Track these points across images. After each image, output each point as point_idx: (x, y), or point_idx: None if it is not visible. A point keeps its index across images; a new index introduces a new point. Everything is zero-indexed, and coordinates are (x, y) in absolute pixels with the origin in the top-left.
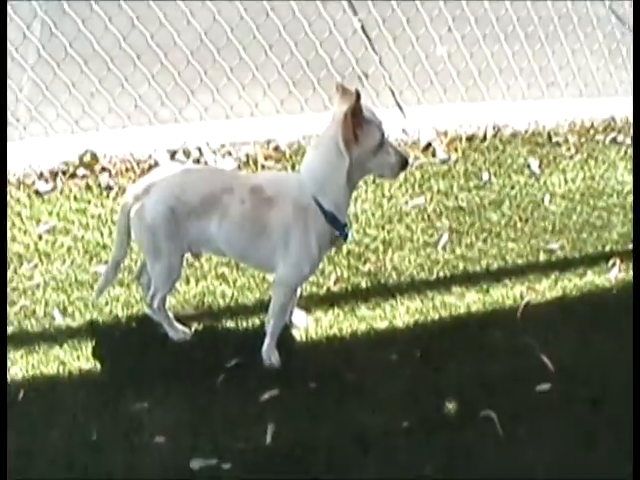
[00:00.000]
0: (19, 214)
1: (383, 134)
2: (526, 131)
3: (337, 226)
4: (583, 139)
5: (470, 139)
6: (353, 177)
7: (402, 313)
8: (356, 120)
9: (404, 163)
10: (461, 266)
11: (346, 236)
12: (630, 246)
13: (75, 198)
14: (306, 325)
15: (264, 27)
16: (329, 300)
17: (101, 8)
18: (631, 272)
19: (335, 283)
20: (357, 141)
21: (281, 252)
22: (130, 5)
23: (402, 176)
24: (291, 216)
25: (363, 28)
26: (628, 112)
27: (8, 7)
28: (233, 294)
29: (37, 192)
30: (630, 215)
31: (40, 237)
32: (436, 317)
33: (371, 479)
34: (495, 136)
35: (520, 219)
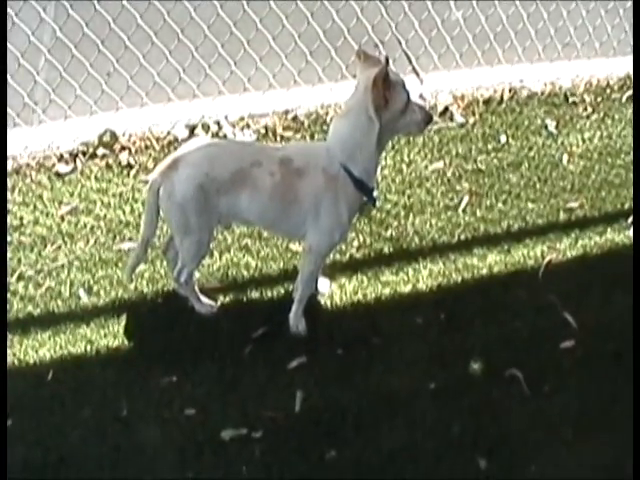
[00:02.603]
0: (40, 197)
1: (409, 93)
2: (542, 92)
3: (366, 192)
4: (599, 98)
5: (487, 102)
6: (382, 141)
7: (425, 277)
8: (385, 84)
9: (429, 118)
10: (482, 228)
11: (374, 202)
12: None
13: (96, 178)
14: (330, 291)
15: None
16: (352, 266)
17: None
18: None
19: (358, 249)
20: (387, 105)
21: (311, 221)
22: None
23: (421, 140)
24: (321, 185)
25: None
26: None
27: None
28: (257, 265)
29: (58, 174)
30: None
31: (62, 218)
32: (459, 279)
33: (399, 441)
34: (512, 98)
35: (539, 179)
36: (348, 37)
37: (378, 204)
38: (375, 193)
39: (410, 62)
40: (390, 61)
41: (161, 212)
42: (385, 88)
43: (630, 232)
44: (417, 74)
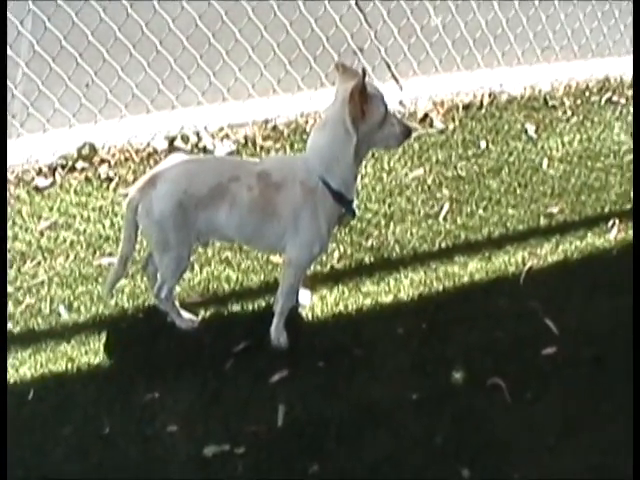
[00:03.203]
0: (19, 212)
1: (387, 107)
2: (522, 96)
3: (344, 204)
4: (579, 101)
5: (467, 108)
6: (360, 153)
7: (406, 286)
8: (362, 97)
9: (408, 132)
10: (463, 235)
11: (354, 213)
12: (628, 206)
13: (75, 192)
14: (311, 303)
15: (259, 8)
16: (333, 277)
17: None
18: (630, 232)
19: (339, 260)
20: (364, 117)
21: (291, 234)
22: None
23: (401, 148)
24: (300, 198)
25: (357, 3)
26: (622, 71)
27: None
28: (238, 278)
29: (37, 188)
30: (627, 174)
31: (42, 233)
32: (440, 288)
33: (382, 452)
34: (491, 103)
35: (519, 185)
36: (327, 46)
37: (357, 214)
38: (355, 204)
39: (389, 69)
40: (369, 71)
41: (140, 228)
42: (362, 101)
43: (610, 235)
44: (396, 81)
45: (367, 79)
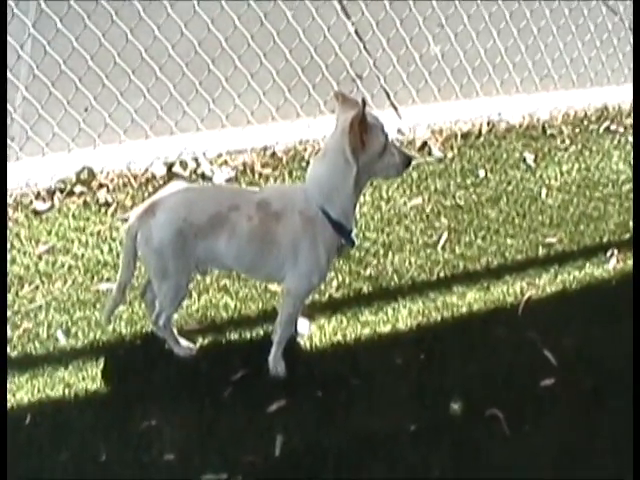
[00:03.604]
0: (18, 235)
1: (387, 136)
2: (520, 125)
3: (344, 234)
4: (577, 130)
5: (465, 136)
6: (360, 183)
7: (405, 316)
8: (362, 127)
9: (408, 161)
10: (461, 265)
11: (353, 243)
12: (627, 236)
13: (74, 216)
14: (310, 332)
15: (258, 35)
16: (332, 307)
17: (94, 24)
18: (629, 262)
19: (337, 289)
20: (364, 147)
21: (290, 264)
22: (123, 19)
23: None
24: (299, 228)
25: (357, 31)
26: (620, 100)
27: None
28: (236, 306)
29: (35, 212)
30: (626, 204)
31: (40, 257)
32: (438, 318)
33: None
34: (490, 132)
35: (518, 214)
36: (326, 73)
37: (356, 244)
38: (354, 233)
39: (388, 97)
40: (368, 100)
41: (139, 256)
42: (362, 131)
43: (609, 265)
44: (395, 109)
45: (367, 109)
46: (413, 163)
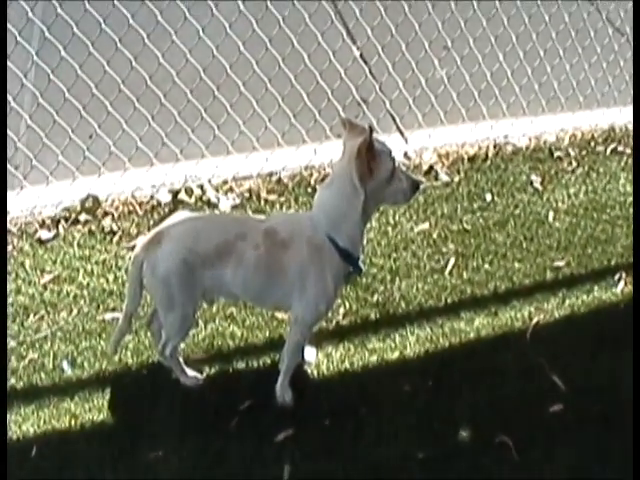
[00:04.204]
0: (22, 264)
1: (394, 162)
2: (527, 147)
3: (351, 262)
4: (584, 152)
5: (472, 159)
6: (367, 210)
7: (412, 342)
8: (370, 154)
9: (416, 186)
10: (469, 290)
11: (360, 270)
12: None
13: (78, 245)
14: (317, 360)
15: (263, 61)
16: (339, 334)
17: (98, 51)
18: None
19: (344, 316)
20: (372, 174)
21: (297, 292)
22: (128, 46)
23: None
24: (306, 256)
25: (362, 56)
26: (627, 121)
27: None
28: (242, 334)
29: (40, 241)
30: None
31: (45, 287)
32: (446, 344)
33: None
34: (497, 155)
35: (525, 238)
36: (332, 98)
37: (364, 271)
38: (361, 260)
39: (394, 121)
40: (374, 125)
41: (145, 286)
42: (370, 158)
43: (617, 289)
44: (402, 133)
45: (374, 135)
46: (421, 187)
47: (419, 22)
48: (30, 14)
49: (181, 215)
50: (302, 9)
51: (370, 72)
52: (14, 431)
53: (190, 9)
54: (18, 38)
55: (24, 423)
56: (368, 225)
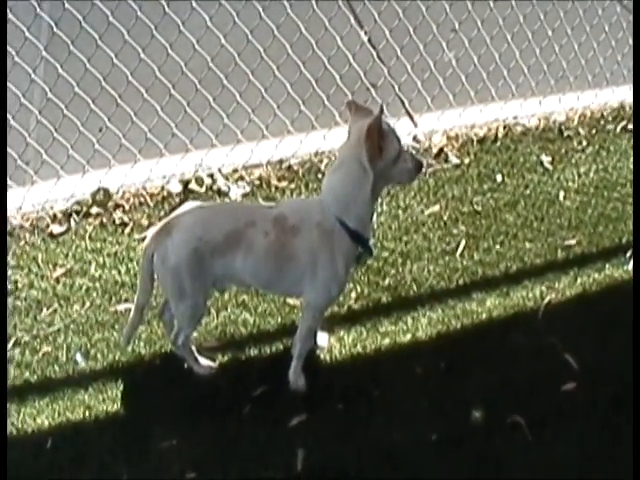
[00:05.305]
0: (35, 259)
1: (400, 142)
2: (537, 127)
3: (362, 243)
4: (594, 130)
5: (481, 141)
6: (376, 191)
7: (424, 325)
8: (380, 134)
9: (420, 166)
10: (480, 271)
11: (371, 252)
12: None
13: (90, 238)
14: (329, 345)
15: (271, 48)
16: (351, 318)
17: (106, 44)
18: None
19: (356, 300)
20: (381, 154)
21: (309, 277)
22: (135, 38)
23: (416, 185)
24: (317, 241)
25: (370, 40)
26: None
27: (12, 51)
28: (255, 321)
29: (52, 235)
30: None
31: (57, 281)
32: (458, 326)
33: None
34: (506, 136)
35: (536, 218)
36: (340, 84)
37: (374, 253)
38: (371, 242)
39: (403, 105)
40: (377, 108)
41: (156, 276)
42: (380, 138)
43: (629, 266)
44: (411, 117)
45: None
46: (429, 170)
47: (426, 5)
48: (38, 10)
49: (190, 205)
50: None
51: (378, 57)
52: (29, 424)
53: None
54: (26, 34)
55: (39, 416)
56: (378, 208)
